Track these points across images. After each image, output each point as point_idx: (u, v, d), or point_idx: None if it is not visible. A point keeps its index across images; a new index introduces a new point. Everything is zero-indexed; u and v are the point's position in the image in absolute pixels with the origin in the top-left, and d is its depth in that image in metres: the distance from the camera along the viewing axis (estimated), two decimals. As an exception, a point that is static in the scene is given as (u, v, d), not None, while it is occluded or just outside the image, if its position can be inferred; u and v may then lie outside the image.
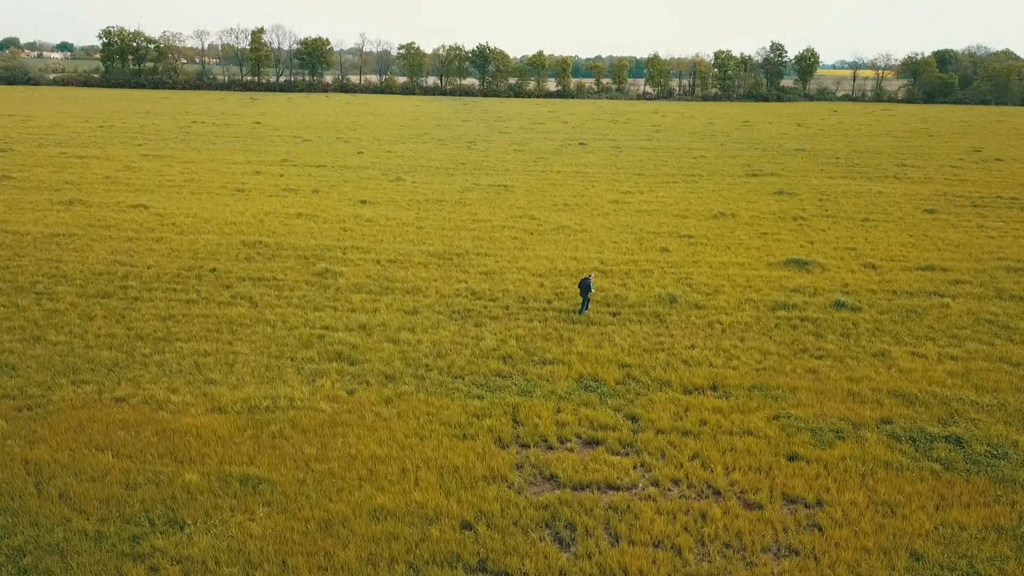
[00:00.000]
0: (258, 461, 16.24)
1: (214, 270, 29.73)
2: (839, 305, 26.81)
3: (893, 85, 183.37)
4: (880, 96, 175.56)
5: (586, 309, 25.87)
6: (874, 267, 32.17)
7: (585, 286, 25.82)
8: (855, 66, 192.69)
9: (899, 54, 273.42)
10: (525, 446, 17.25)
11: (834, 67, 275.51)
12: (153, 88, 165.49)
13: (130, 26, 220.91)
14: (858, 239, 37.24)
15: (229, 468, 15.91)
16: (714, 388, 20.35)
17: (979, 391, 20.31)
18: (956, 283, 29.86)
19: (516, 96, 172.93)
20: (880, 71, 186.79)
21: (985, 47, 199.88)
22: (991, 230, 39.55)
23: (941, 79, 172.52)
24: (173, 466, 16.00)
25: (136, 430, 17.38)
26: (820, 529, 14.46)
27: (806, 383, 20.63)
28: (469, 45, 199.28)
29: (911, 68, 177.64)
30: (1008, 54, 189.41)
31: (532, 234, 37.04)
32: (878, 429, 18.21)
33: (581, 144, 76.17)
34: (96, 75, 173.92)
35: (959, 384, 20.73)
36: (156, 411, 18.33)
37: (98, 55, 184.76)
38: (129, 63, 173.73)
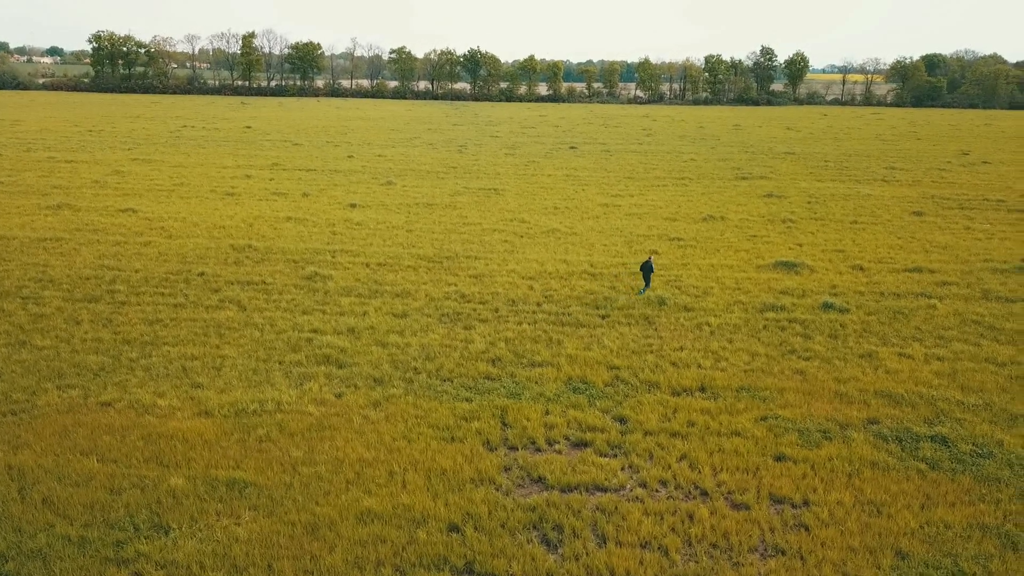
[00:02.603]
0: (244, 465, 16.16)
1: (202, 274, 29.62)
2: (827, 307, 26.91)
3: (882, 89, 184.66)
4: (869, 100, 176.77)
5: (647, 289, 27.93)
6: (862, 269, 32.32)
7: (648, 267, 27.75)
8: (844, 70, 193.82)
9: (888, 58, 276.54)
10: (513, 448, 17.24)
11: (824, 71, 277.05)
12: (143, 92, 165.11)
13: (120, 31, 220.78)
14: (846, 241, 37.41)
15: (215, 472, 15.83)
16: (702, 389, 20.39)
17: (965, 391, 20.41)
18: (943, 284, 30.02)
19: (507, 100, 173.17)
20: (869, 75, 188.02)
21: (973, 51, 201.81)
22: (978, 232, 39.80)
23: (929, 83, 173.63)
24: (159, 471, 15.92)
25: (122, 435, 17.28)
26: (807, 529, 14.49)
27: (794, 384, 20.69)
28: (461, 49, 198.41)
29: (900, 72, 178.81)
30: (996, 58, 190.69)
31: (522, 237, 37.05)
32: (865, 429, 18.28)
33: (572, 148, 76.28)
34: (86, 80, 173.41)
35: (945, 384, 20.82)
36: (142, 415, 18.23)
37: (88, 60, 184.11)
38: (119, 68, 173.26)
